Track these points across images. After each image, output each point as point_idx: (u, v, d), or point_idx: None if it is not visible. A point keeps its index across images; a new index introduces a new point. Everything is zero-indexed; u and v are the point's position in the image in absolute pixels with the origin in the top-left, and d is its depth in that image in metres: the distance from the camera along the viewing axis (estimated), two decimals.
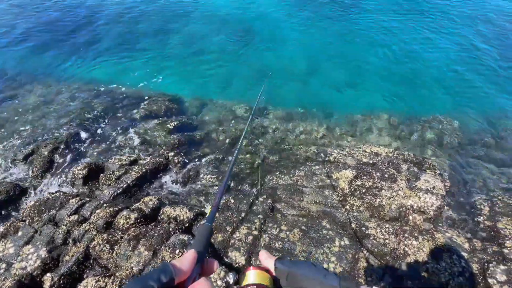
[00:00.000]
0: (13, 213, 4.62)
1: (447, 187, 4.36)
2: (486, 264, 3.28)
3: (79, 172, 4.95)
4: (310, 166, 4.98)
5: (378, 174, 4.45)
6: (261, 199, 4.50)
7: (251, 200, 4.46)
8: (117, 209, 4.21)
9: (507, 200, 4.18)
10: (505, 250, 3.42)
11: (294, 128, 6.62)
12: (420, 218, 3.82)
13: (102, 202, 4.42)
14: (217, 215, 4.15)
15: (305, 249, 3.64)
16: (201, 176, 5.22)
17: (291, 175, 4.88)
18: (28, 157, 5.54)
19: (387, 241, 3.61)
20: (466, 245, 3.47)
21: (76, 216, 4.21)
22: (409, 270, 3.29)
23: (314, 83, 8.34)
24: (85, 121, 6.63)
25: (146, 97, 7.68)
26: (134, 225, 4.01)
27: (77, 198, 4.54)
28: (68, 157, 5.62)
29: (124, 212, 4.11)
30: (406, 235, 3.62)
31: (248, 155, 5.69)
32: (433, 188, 4.13)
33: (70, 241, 3.97)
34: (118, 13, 12.76)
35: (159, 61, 9.38)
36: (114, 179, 4.79)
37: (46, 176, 5.28)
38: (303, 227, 3.93)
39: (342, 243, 3.65)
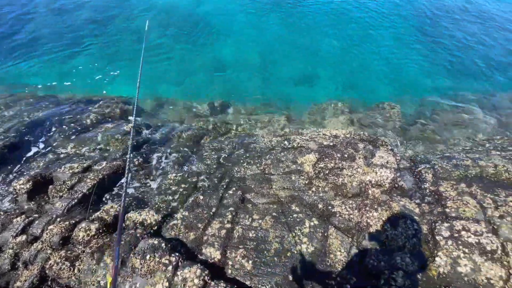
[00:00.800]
0: None
1: (398, 160, 4.81)
2: (433, 224, 3.73)
3: (22, 186, 4.38)
4: (276, 154, 5.08)
5: (338, 155, 4.73)
6: (230, 191, 4.48)
7: (221, 194, 4.42)
8: (74, 222, 3.84)
9: (445, 167, 4.77)
10: (447, 210, 3.92)
11: (256, 121, 6.70)
12: (378, 191, 4.17)
13: (54, 216, 3.98)
14: (186, 213, 4.04)
15: (278, 234, 3.75)
16: (164, 175, 5.00)
17: (258, 164, 4.94)
18: None
19: (351, 216, 3.89)
20: (417, 210, 3.90)
21: (24, 236, 3.75)
22: (372, 239, 3.60)
23: (272, 76, 8.48)
24: (26, 130, 5.84)
25: (96, 100, 7.03)
26: (96, 237, 3.71)
27: (23, 216, 4.03)
28: (6, 172, 4.92)
29: (83, 224, 3.77)
30: (367, 208, 3.94)
31: (213, 151, 5.59)
32: (387, 162, 4.54)
33: (20, 265, 3.54)
34: (50, 5, 11.29)
35: (105, 60, 8.62)
36: (66, 189, 4.34)
37: None
38: (274, 214, 4.03)
39: (312, 223, 3.83)
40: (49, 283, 3.47)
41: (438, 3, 12.84)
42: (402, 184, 4.35)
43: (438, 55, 9.54)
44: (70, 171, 4.64)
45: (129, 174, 3.17)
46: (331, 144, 5.13)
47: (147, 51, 9.03)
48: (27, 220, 3.98)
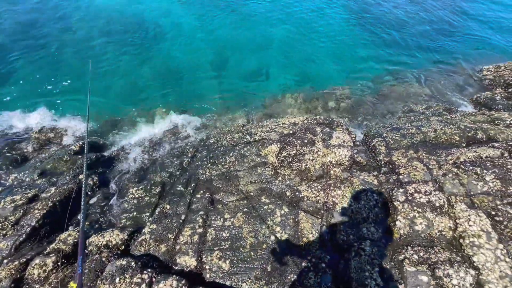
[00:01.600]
0: None
1: (353, 138, 5.11)
2: (390, 191, 4.05)
3: None
4: (239, 150, 5.07)
5: (299, 141, 4.87)
6: (198, 195, 4.37)
7: (188, 200, 4.29)
8: (25, 260, 3.44)
9: (395, 137, 5.19)
10: (400, 177, 4.29)
11: (215, 122, 6.60)
12: (339, 170, 4.40)
13: (0, 258, 3.52)
14: (154, 226, 3.86)
15: (251, 229, 3.76)
16: (124, 190, 4.70)
17: (223, 163, 4.88)
18: None
19: (318, 198, 4.05)
20: (375, 181, 4.20)
21: None
22: (339, 216, 3.80)
23: (226, 75, 8.43)
24: None
25: (34, 124, 6.29)
26: (54, 271, 3.36)
27: None
28: None
29: (37, 261, 3.39)
30: (331, 188, 4.13)
31: (174, 158, 5.39)
32: (343, 142, 4.80)
33: None
34: None
35: (44, 78, 7.72)
36: (10, 226, 3.85)
37: None
38: (245, 210, 4.03)
39: (282, 212, 3.91)
40: None
41: None
42: (360, 160, 4.64)
43: (379, 38, 10.27)
44: (12, 205, 4.12)
45: (86, 195, 2.88)
46: (291, 132, 5.27)
47: (92, 65, 8.30)
48: None
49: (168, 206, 4.17)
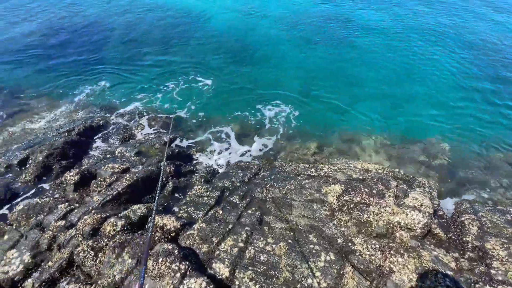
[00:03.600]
0: (1, 217, 4.61)
1: (435, 205, 4.36)
2: (472, 284, 3.23)
3: (71, 178, 5.00)
4: (300, 180, 5.01)
5: (366, 190, 4.47)
6: (249, 211, 4.49)
7: (240, 212, 4.46)
8: (105, 216, 4.21)
9: (496, 221, 4.17)
10: (492, 271, 3.38)
11: (285, 146, 6.73)
12: (407, 235, 3.80)
13: (90, 208, 4.43)
14: (204, 225, 4.15)
15: (290, 263, 3.60)
16: (191, 187, 5.25)
17: (280, 188, 4.91)
18: (22, 162, 5.60)
19: (373, 257, 3.57)
20: (453, 264, 3.43)
21: (64, 222, 4.21)
22: None
23: (308, 102, 8.53)
24: (84, 130, 6.76)
25: (145, 113, 7.87)
26: (120, 233, 4.00)
27: (66, 204, 4.55)
28: (62, 163, 5.68)
29: (112, 219, 4.11)
30: (392, 252, 3.59)
31: (239, 170, 5.74)
32: (421, 205, 4.14)
33: (55, 247, 3.95)
34: (124, 28, 13.31)
35: (162, 80, 9.63)
36: (105, 186, 4.82)
37: (38, 181, 5.32)
38: (289, 241, 3.91)
39: (328, 258, 3.61)
40: (74, 268, 3.79)
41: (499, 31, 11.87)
42: (438, 232, 3.90)
43: (498, 91, 8.65)
44: (111, 170, 5.17)
45: (161, 182, 3.42)
46: (361, 177, 4.89)
47: (195, 75, 9.89)
48: (69, 207, 4.48)
49: (220, 212, 4.43)
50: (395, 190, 4.50)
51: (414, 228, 3.84)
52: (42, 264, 3.81)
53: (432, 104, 8.41)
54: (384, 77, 9.66)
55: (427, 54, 10.97)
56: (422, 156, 6.44)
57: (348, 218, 4.16)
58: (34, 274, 3.70)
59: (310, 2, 16.58)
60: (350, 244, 3.79)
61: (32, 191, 5.12)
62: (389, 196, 4.34)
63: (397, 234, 3.82)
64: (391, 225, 3.95)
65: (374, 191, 4.44)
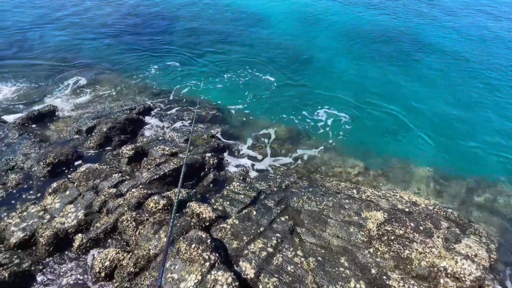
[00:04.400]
0: (67, 174, 5.26)
1: (492, 259, 3.85)
2: None
3: (127, 152, 5.49)
4: (340, 199, 4.83)
5: (412, 224, 4.13)
6: (282, 218, 4.47)
7: (273, 217, 4.46)
8: (150, 192, 4.55)
9: None
10: None
11: (329, 159, 6.53)
12: (453, 284, 3.42)
13: (139, 183, 4.81)
14: (237, 222, 4.23)
15: (317, 281, 3.49)
16: (230, 182, 5.40)
17: (318, 202, 4.78)
18: (90, 130, 6.32)
19: None
20: None
21: (115, 190, 4.65)
22: None
23: (359, 120, 8.17)
24: (143, 111, 7.39)
25: (197, 103, 8.30)
26: (161, 211, 4.28)
27: (119, 174, 5.01)
28: (121, 137, 6.27)
29: (155, 197, 4.42)
30: None
31: (278, 175, 5.73)
32: (475, 255, 3.69)
33: (104, 211, 4.37)
34: (189, 21, 14.27)
35: (216, 74, 10.10)
36: (154, 165, 5.20)
37: (99, 148, 5.95)
38: (319, 258, 3.79)
39: (358, 286, 3.42)
40: (117, 234, 4.15)
41: None
42: None
43: None
44: (162, 152, 5.56)
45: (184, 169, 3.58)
46: (407, 210, 4.54)
47: (251, 76, 10.15)
48: (121, 178, 4.93)
49: (254, 212, 4.48)
50: (446, 231, 4.09)
51: (463, 279, 3.44)
52: (91, 223, 4.26)
53: (501, 143, 7.46)
54: (444, 103, 8.87)
55: (503, 85, 9.80)
56: (482, 199, 5.73)
57: (386, 249, 3.89)
58: (84, 230, 4.15)
59: (376, 17, 15.96)
60: (384, 277, 3.54)
61: (94, 157, 5.74)
62: (438, 236, 3.95)
63: (441, 281, 3.46)
64: (435, 268, 3.60)
65: (421, 228, 4.08)
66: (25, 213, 4.26)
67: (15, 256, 3.76)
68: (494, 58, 11.75)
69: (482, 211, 5.29)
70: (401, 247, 3.85)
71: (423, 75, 10.43)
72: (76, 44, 11.51)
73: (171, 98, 8.52)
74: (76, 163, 5.48)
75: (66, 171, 5.30)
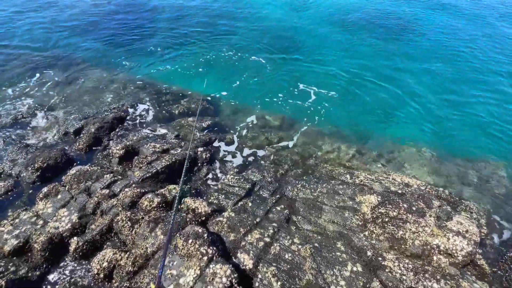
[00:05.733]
0: (57, 178, 5.16)
1: (483, 234, 3.97)
2: None
3: (117, 151, 5.40)
4: (334, 185, 4.87)
5: (405, 205, 4.21)
6: (278, 208, 4.50)
7: (268, 207, 4.48)
8: (143, 191, 4.51)
9: None
10: None
11: (322, 145, 6.53)
12: (446, 260, 3.52)
13: (131, 182, 4.76)
14: (233, 214, 4.24)
15: (315, 266, 3.55)
16: (223, 175, 5.38)
17: (312, 190, 4.82)
18: (77, 131, 6.17)
19: (404, 277, 3.39)
20: None
21: (108, 191, 4.59)
22: None
23: (350, 103, 8.16)
24: (131, 108, 7.23)
25: (186, 96, 8.15)
26: (155, 209, 4.25)
27: (111, 175, 4.94)
28: (110, 137, 6.15)
29: (149, 195, 4.38)
30: (427, 275, 3.36)
31: (272, 165, 5.73)
32: (466, 231, 3.80)
33: (98, 212, 4.33)
34: (174, 16, 13.85)
35: (202, 65, 9.89)
36: (146, 163, 5.14)
37: (89, 150, 5.83)
38: (316, 244, 3.85)
39: (355, 269, 3.50)
40: (112, 234, 4.13)
41: None
42: (482, 264, 3.56)
43: None
44: (153, 149, 5.49)
45: (187, 166, 3.57)
46: (400, 191, 4.61)
47: (239, 64, 10.00)
48: (113, 178, 4.86)
49: (250, 204, 4.49)
50: (437, 210, 4.18)
51: (455, 254, 3.55)
52: (86, 225, 4.22)
53: (495, 122, 7.55)
54: (436, 83, 8.91)
55: (493, 63, 9.87)
56: (473, 178, 5.84)
57: (381, 231, 3.97)
58: (79, 233, 4.12)
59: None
60: (380, 259, 3.62)
61: (83, 159, 5.64)
62: (430, 215, 4.04)
63: (435, 258, 3.56)
64: (428, 246, 3.70)
65: (414, 208, 4.16)
66: (17, 220, 4.19)
67: (11, 264, 3.72)
68: (488, 30, 11.73)
69: (473, 188, 5.41)
70: (395, 228, 3.93)
71: (416, 54, 10.43)
72: (49, 37, 11.16)
73: (158, 91, 8.33)
74: (66, 166, 5.38)
75: (56, 175, 5.20)
